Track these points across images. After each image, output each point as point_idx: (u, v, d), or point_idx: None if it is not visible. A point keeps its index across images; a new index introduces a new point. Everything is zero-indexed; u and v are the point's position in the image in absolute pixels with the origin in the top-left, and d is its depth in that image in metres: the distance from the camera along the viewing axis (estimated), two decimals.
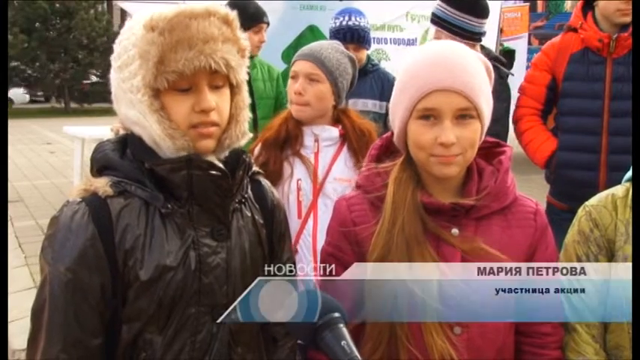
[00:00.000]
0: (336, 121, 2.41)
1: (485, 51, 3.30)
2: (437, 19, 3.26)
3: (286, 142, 2.37)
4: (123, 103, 1.35)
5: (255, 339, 1.48)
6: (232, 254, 1.39)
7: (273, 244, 1.54)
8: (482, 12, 3.16)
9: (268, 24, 3.73)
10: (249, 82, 3.58)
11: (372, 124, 2.42)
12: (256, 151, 2.39)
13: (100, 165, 1.38)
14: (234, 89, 1.39)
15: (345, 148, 2.38)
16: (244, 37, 1.38)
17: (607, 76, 2.96)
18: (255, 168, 1.53)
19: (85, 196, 1.33)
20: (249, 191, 1.49)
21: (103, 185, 1.32)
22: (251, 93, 3.52)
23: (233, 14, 1.35)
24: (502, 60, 3.42)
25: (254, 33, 3.64)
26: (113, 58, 1.37)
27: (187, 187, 1.33)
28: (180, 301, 1.33)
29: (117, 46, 1.37)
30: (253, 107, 3.55)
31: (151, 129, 1.31)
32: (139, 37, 1.30)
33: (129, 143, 1.39)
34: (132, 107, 1.32)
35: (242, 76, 1.38)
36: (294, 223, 2.33)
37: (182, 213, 1.35)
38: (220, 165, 1.37)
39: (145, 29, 1.29)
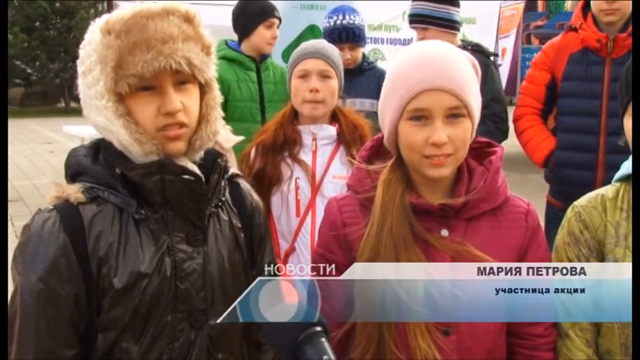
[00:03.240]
0: (332, 118, 2.42)
1: (465, 42, 3.43)
2: (418, 18, 3.37)
3: (284, 145, 2.37)
4: (91, 109, 1.32)
5: (237, 344, 1.46)
6: (209, 259, 1.36)
7: (253, 248, 1.51)
8: (457, 0, 3.39)
9: (280, 20, 3.61)
10: (260, 85, 3.54)
11: (364, 120, 2.44)
12: (252, 154, 2.39)
13: (72, 171, 1.35)
14: (203, 88, 1.36)
15: (341, 146, 2.39)
16: (208, 34, 1.34)
17: (605, 77, 2.97)
18: (233, 170, 1.50)
19: (57, 203, 1.29)
20: (227, 194, 1.46)
21: (74, 192, 1.29)
22: (261, 96, 3.53)
23: (194, 11, 1.31)
24: (482, 46, 3.57)
25: (265, 28, 3.49)
26: (78, 63, 1.35)
27: (160, 192, 1.30)
28: (157, 309, 1.30)
29: (81, 52, 1.34)
30: (262, 110, 3.50)
31: (118, 134, 1.28)
32: (97, 41, 1.28)
33: (101, 148, 1.36)
34: (99, 113, 1.30)
35: (210, 74, 1.34)
36: (292, 222, 2.37)
37: (156, 219, 1.32)
38: (194, 169, 1.35)
39: (102, 33, 1.26)
